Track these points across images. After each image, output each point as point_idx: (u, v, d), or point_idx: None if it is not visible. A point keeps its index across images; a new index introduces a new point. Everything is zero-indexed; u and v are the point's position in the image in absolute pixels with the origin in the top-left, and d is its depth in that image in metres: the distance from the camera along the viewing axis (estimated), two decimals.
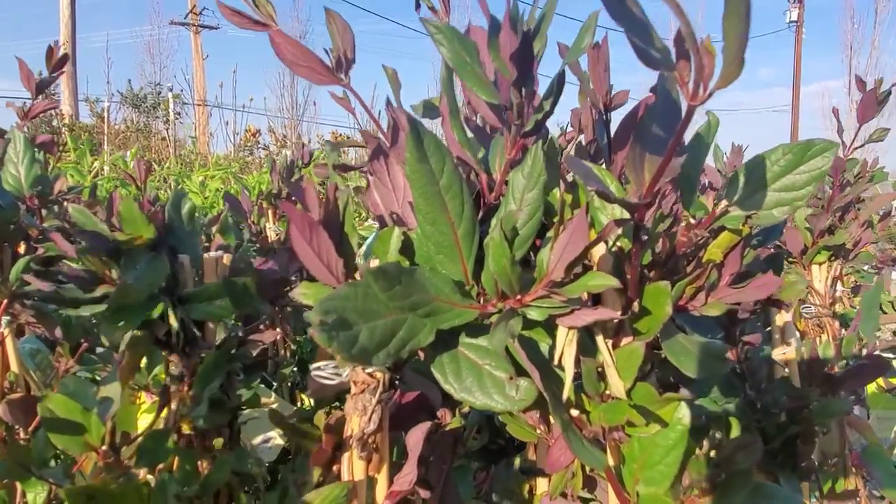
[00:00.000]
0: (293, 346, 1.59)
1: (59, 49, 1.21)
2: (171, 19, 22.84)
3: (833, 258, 1.17)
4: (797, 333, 0.82)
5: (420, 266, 0.44)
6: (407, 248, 0.44)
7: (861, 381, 0.71)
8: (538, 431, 0.58)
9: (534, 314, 0.40)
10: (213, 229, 0.84)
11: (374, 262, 0.46)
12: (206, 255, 0.66)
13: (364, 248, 0.56)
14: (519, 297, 0.41)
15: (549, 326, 0.43)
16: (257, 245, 1.63)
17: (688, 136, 0.41)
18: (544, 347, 0.45)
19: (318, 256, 0.43)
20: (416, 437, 0.48)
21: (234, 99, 10.90)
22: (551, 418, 0.56)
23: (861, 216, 1.18)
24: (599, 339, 0.44)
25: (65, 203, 1.18)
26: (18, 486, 0.91)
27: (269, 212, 1.66)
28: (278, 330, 0.88)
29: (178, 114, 12.41)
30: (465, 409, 0.58)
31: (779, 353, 0.71)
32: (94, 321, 0.84)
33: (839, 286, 1.37)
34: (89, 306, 0.59)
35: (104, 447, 0.62)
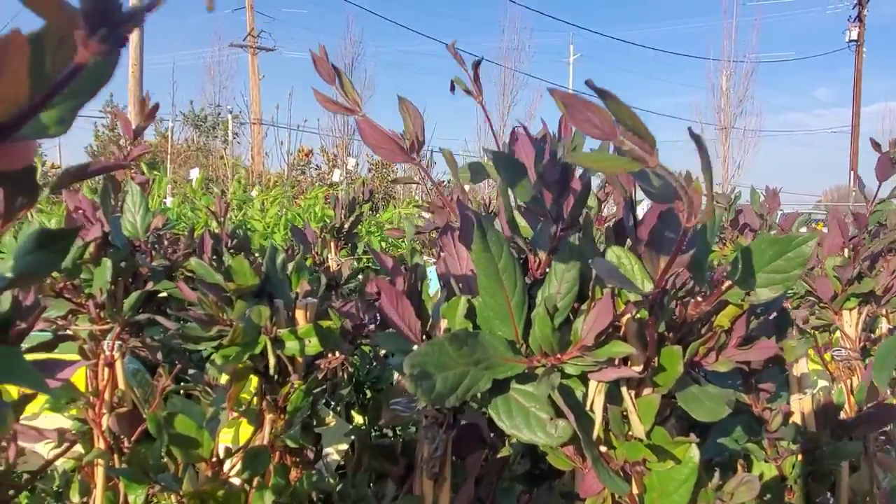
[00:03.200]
0: (350, 369, 1.72)
1: (132, 68, 1.39)
2: (231, 42, 23.80)
3: (863, 304, 1.23)
4: (817, 380, 0.90)
5: (481, 328, 0.56)
6: (470, 313, 0.56)
7: (871, 427, 0.79)
8: (574, 462, 0.68)
9: (570, 370, 0.52)
10: (290, 267, 0.97)
11: (443, 323, 0.58)
12: (298, 302, 0.79)
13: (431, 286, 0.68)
14: (558, 355, 0.52)
15: (583, 378, 0.54)
16: (320, 274, 1.78)
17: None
18: (579, 394, 0.56)
19: (401, 319, 0.56)
20: (473, 463, 0.60)
21: (289, 119, 11.29)
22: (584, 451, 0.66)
23: (891, 263, 1.24)
24: (624, 389, 0.55)
25: (160, 236, 1.35)
26: (122, 488, 1.06)
27: (332, 244, 1.81)
28: (339, 355, 1.01)
29: (236, 134, 12.95)
30: (513, 440, 0.69)
31: (795, 400, 0.80)
32: (202, 353, 0.99)
33: (885, 325, 1.43)
34: (207, 342, 0.73)
35: (213, 459, 0.76)
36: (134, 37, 14.67)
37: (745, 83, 19.46)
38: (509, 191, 0.54)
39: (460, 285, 0.59)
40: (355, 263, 1.81)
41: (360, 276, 2.59)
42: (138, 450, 0.87)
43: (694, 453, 0.55)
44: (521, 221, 0.58)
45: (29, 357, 0.69)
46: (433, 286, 1.38)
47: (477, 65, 0.75)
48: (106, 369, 1.08)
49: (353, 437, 1.16)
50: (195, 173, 5.33)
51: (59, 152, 13.44)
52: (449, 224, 0.62)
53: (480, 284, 0.53)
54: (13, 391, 0.96)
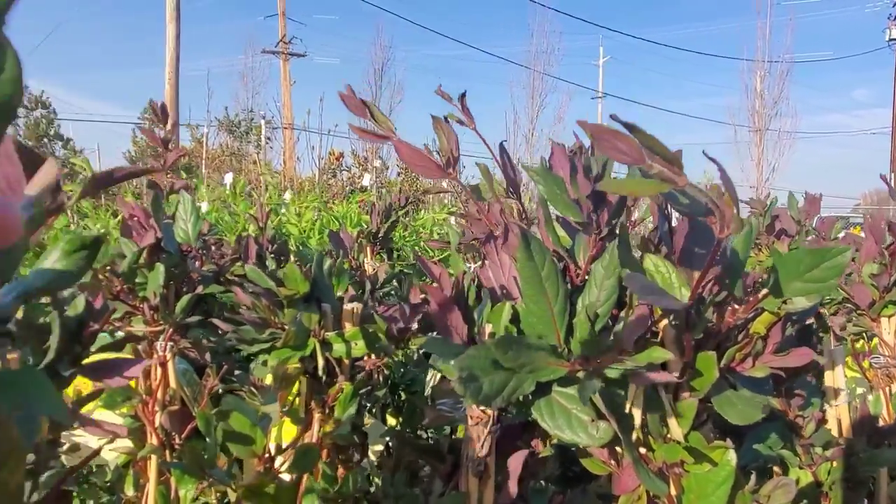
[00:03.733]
0: (385, 371, 1.76)
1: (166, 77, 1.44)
2: (263, 48, 24.21)
3: None
4: (855, 388, 0.90)
5: (524, 333, 0.59)
6: (514, 318, 0.59)
7: None
8: (609, 466, 0.70)
9: (611, 374, 0.54)
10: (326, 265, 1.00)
11: (488, 327, 0.61)
12: (344, 306, 0.83)
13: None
14: (599, 360, 0.55)
15: (622, 381, 0.57)
16: (357, 277, 1.82)
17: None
18: (617, 397, 0.59)
19: (450, 324, 0.59)
20: (516, 462, 0.63)
21: (320, 124, 11.44)
22: (619, 453, 0.69)
23: None
24: (662, 393, 0.57)
25: (207, 241, 1.41)
26: (173, 483, 1.12)
27: (368, 248, 1.85)
28: (374, 358, 1.05)
29: (269, 139, 13.18)
30: (554, 441, 0.71)
31: (830, 408, 0.81)
32: (249, 354, 1.03)
33: None
34: (260, 344, 0.77)
35: (265, 455, 0.80)
36: (170, 45, 15.04)
37: (780, 84, 19.09)
38: (548, 203, 0.57)
39: (504, 291, 0.62)
40: (389, 268, 1.86)
41: (395, 281, 2.64)
42: (192, 446, 0.92)
43: (731, 457, 0.57)
44: (560, 231, 0.61)
45: (99, 356, 0.74)
46: None
47: (463, 97, 0.78)
48: (158, 369, 1.13)
49: (387, 438, 1.19)
50: (229, 178, 5.43)
51: (98, 158, 13.84)
52: (491, 233, 0.65)
53: (524, 292, 0.56)
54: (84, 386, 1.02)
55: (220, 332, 1.20)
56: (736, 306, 0.56)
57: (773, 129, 19.03)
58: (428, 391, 1.18)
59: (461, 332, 0.59)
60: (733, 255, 0.54)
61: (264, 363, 0.95)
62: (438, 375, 1.05)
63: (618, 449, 0.67)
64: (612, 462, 0.70)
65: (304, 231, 2.92)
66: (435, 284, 0.62)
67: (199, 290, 1.14)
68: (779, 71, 18.96)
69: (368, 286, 0.88)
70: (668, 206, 0.66)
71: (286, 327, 0.79)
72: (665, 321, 0.57)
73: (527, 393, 0.56)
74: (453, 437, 0.65)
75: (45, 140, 11.45)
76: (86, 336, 0.75)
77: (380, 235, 1.82)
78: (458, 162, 0.77)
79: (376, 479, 0.84)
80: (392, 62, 20.39)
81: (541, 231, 0.60)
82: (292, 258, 1.98)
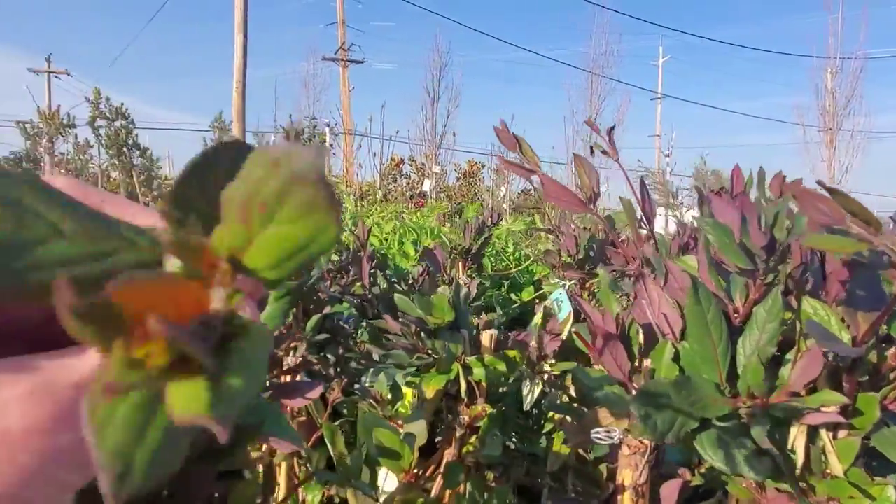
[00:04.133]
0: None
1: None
2: (323, 56, 24.80)
3: None
4: None
5: (685, 370, 0.63)
6: (675, 357, 0.63)
7: None
8: (754, 493, 0.74)
9: (777, 414, 0.58)
10: (462, 293, 1.07)
11: (647, 362, 0.65)
12: (482, 333, 0.89)
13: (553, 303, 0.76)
14: (766, 399, 0.58)
15: (786, 419, 0.60)
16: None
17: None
18: (777, 433, 0.62)
19: (612, 357, 0.64)
20: (669, 490, 0.67)
21: (381, 130, 11.64)
22: (763, 483, 0.72)
23: None
24: (823, 431, 0.60)
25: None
26: (300, 489, 1.20)
27: (460, 264, 1.91)
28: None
29: (331, 145, 13.50)
30: (703, 470, 0.75)
31: None
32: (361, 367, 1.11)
33: None
34: (410, 367, 0.84)
35: (413, 470, 0.87)
36: (238, 55, 15.60)
37: (852, 82, 18.23)
38: (720, 250, 0.61)
39: (662, 329, 0.67)
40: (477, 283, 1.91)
41: (484, 295, 2.68)
42: (344, 460, 1.00)
43: (891, 493, 0.59)
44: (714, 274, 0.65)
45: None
46: (565, 309, 1.45)
47: (611, 130, 0.82)
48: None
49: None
50: None
51: (171, 165, 14.51)
52: (642, 273, 0.70)
53: (690, 333, 0.60)
54: None
55: (341, 349, 1.28)
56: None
57: (846, 129, 18.19)
58: (527, 406, 1.23)
59: (624, 367, 0.64)
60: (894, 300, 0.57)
61: (395, 383, 1.02)
62: (537, 390, 1.10)
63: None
64: (757, 490, 0.73)
65: (385, 241, 3.02)
66: (596, 321, 0.67)
67: (327, 309, 1.22)
68: (851, 68, 18.11)
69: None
70: (824, 255, 0.68)
71: (430, 352, 0.85)
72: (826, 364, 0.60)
73: (692, 428, 0.60)
74: (609, 465, 0.70)
75: (125, 149, 12.09)
76: (274, 359, 0.84)
77: (472, 251, 1.88)
78: (599, 198, 0.81)
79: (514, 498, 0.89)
80: (449, 67, 20.54)
81: (702, 274, 0.64)
82: (388, 274, 2.06)
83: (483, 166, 14.42)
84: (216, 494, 0.39)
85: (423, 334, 0.85)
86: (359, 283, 1.30)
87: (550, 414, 1.12)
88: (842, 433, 0.61)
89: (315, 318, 1.20)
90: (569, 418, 0.93)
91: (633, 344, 0.66)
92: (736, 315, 0.64)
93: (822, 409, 0.55)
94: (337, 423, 1.29)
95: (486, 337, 0.89)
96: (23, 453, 0.20)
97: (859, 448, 0.62)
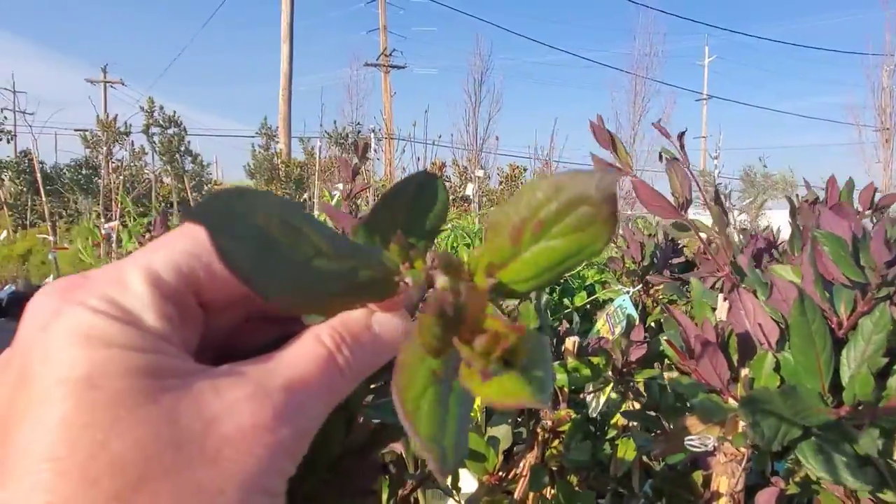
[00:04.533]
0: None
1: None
2: (366, 62, 25.14)
3: None
4: None
5: (786, 380, 0.64)
6: (776, 366, 0.64)
7: None
8: (847, 502, 0.73)
9: (884, 424, 0.58)
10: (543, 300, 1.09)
11: (745, 371, 0.66)
12: (565, 339, 0.90)
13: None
14: (872, 409, 0.59)
15: (892, 431, 0.60)
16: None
17: None
18: (880, 443, 0.62)
19: (711, 365, 0.65)
20: (766, 497, 0.67)
21: (425, 135, 11.73)
22: (855, 493, 0.72)
23: None
24: None
25: None
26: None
27: None
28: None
29: (375, 150, 13.67)
30: (798, 479, 0.75)
31: None
32: None
33: None
34: None
35: (498, 473, 0.89)
36: (284, 64, 15.98)
37: None
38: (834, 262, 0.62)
39: (758, 339, 0.67)
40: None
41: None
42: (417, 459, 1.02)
43: None
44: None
45: None
46: (629, 316, 1.45)
47: (681, 136, 0.82)
48: None
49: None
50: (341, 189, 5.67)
51: (219, 171, 14.92)
52: (734, 285, 0.70)
53: (793, 343, 0.61)
54: None
55: None
56: None
57: None
58: (593, 413, 1.24)
59: (723, 375, 0.65)
60: None
61: None
62: (602, 398, 1.11)
63: (854, 490, 0.70)
64: (850, 500, 0.73)
65: (439, 248, 3.05)
66: (689, 329, 0.68)
67: None
68: None
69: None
70: None
71: None
72: None
73: (794, 437, 0.61)
74: (704, 472, 0.71)
75: (177, 156, 12.49)
76: None
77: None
78: (691, 204, 0.82)
79: None
80: (491, 71, 20.58)
81: (807, 285, 0.64)
82: None
83: (525, 170, 14.38)
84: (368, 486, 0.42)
85: None
86: None
87: (613, 421, 1.13)
88: None
89: None
90: (635, 425, 0.94)
91: (733, 353, 0.67)
92: (839, 328, 0.65)
93: None
94: None
95: (570, 343, 0.90)
96: (256, 446, 0.23)
97: None
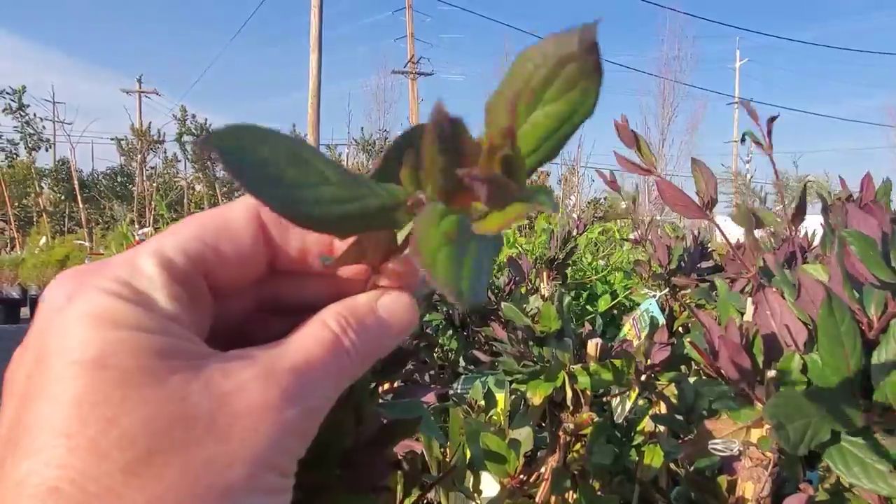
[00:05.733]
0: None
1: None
2: (393, 69, 25.34)
3: None
4: None
5: (814, 383, 0.62)
6: (803, 368, 0.62)
7: None
8: None
9: None
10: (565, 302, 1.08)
11: (770, 373, 0.65)
12: (588, 342, 0.89)
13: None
14: None
15: None
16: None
17: None
18: None
19: (735, 368, 0.63)
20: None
21: None
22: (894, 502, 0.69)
23: None
24: None
25: None
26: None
27: (544, 273, 1.92)
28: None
29: None
30: (827, 485, 0.73)
31: None
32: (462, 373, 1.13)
33: None
34: (518, 374, 0.86)
35: (519, 476, 0.88)
36: (313, 72, 16.18)
37: None
38: (844, 258, 0.60)
39: (785, 340, 0.66)
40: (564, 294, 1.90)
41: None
42: (439, 462, 1.02)
43: None
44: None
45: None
46: (656, 319, 1.42)
47: (772, 120, 0.81)
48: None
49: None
50: None
51: None
52: (761, 285, 0.69)
53: (821, 344, 0.59)
54: None
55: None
56: None
57: None
58: (619, 419, 1.22)
59: (748, 378, 0.63)
60: None
61: (485, 385, 1.04)
62: (628, 403, 1.09)
63: (890, 497, 0.68)
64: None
65: None
66: (714, 331, 0.67)
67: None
68: None
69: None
70: None
71: (536, 360, 0.87)
72: None
73: (823, 441, 0.59)
74: (729, 477, 0.69)
75: (209, 163, 12.73)
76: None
77: (557, 260, 1.88)
78: (716, 204, 0.81)
79: None
80: None
81: (835, 285, 0.62)
82: None
83: (548, 174, 14.29)
84: (382, 482, 0.42)
85: (530, 342, 0.86)
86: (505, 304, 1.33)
87: (640, 427, 1.11)
88: None
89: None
90: (662, 429, 0.93)
91: (757, 354, 0.65)
92: (870, 329, 0.63)
93: None
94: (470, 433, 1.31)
95: (592, 346, 0.89)
96: (264, 424, 0.24)
97: None
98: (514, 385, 0.90)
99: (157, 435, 0.22)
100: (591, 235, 3.30)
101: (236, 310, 0.30)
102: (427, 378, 1.31)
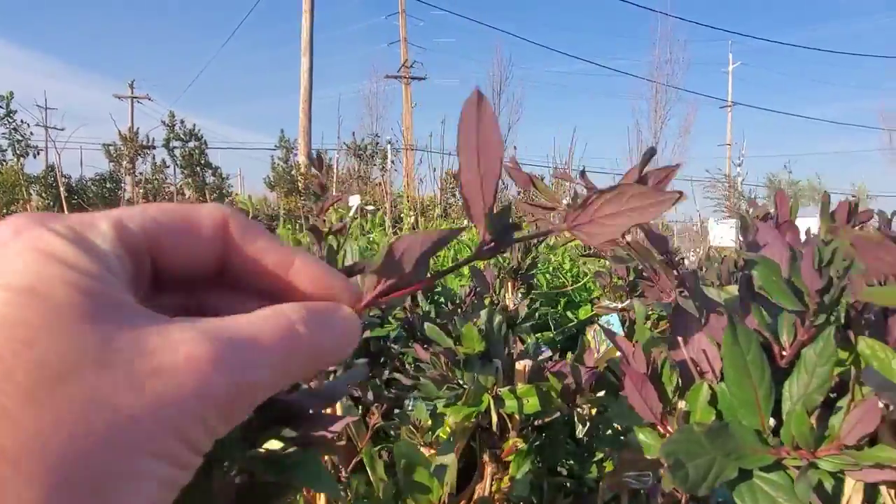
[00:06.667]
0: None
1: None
2: (386, 74, 25.34)
3: None
4: None
5: (724, 415, 0.58)
6: (712, 399, 0.58)
7: None
8: None
9: (826, 466, 0.52)
10: (496, 321, 1.04)
11: (682, 404, 0.61)
12: (516, 364, 0.85)
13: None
14: (812, 451, 0.53)
15: (835, 472, 0.54)
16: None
17: None
18: (827, 486, 0.56)
19: (644, 401, 0.59)
20: None
21: (442, 145, 11.72)
22: None
23: None
24: (883, 488, 0.54)
25: None
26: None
27: (509, 284, 1.88)
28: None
29: (393, 161, 13.72)
30: None
31: None
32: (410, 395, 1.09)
33: None
34: (438, 399, 0.81)
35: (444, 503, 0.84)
36: (304, 77, 16.15)
37: None
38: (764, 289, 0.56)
39: (698, 368, 0.62)
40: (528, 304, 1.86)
41: (535, 315, 2.62)
42: (382, 483, 0.98)
43: None
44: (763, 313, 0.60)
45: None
46: (618, 331, 1.38)
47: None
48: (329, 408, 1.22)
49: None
50: (355, 200, 5.68)
51: (242, 183, 15.10)
52: (680, 308, 0.65)
53: (727, 375, 0.55)
54: None
55: (386, 371, 1.27)
56: None
57: None
58: (580, 434, 1.17)
59: (655, 409, 0.59)
60: None
61: (435, 408, 1.00)
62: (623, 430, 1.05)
63: None
64: None
65: (437, 259, 3.01)
66: (630, 356, 0.63)
67: (367, 333, 1.21)
68: None
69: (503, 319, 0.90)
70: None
71: (461, 383, 0.83)
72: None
73: (729, 479, 0.55)
74: None
75: (198, 169, 12.67)
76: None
77: (521, 270, 1.84)
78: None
79: None
80: (510, 80, 20.56)
81: (745, 311, 0.59)
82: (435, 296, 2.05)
83: (542, 178, 14.29)
84: None
85: (451, 365, 0.82)
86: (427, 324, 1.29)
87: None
88: None
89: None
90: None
91: (668, 384, 0.61)
92: (783, 355, 0.59)
93: (875, 467, 0.49)
94: (378, 448, 1.27)
95: (521, 366, 0.85)
96: (184, 385, 0.22)
97: None
98: (438, 410, 0.86)
99: (70, 369, 0.21)
100: (574, 243, 3.26)
101: (183, 303, 0.30)
102: (372, 396, 1.26)
